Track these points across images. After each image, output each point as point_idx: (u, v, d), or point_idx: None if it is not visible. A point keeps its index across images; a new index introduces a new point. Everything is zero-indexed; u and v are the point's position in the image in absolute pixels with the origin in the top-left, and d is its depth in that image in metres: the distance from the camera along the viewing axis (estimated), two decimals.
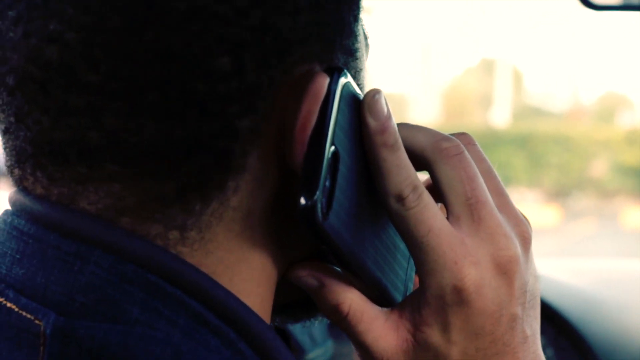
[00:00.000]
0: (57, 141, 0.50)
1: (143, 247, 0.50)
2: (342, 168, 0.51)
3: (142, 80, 0.48)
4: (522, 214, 0.57)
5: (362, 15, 0.56)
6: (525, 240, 0.56)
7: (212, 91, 0.49)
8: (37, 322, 0.48)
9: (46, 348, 0.47)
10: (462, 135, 0.57)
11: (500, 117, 20.28)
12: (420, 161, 0.55)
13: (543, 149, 14.75)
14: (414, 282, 0.60)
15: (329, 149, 0.50)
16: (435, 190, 0.55)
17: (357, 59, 0.56)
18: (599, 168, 15.14)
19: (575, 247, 10.31)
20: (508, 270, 0.54)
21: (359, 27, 0.56)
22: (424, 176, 0.56)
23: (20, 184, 0.53)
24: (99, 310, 0.48)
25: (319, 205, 0.49)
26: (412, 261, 0.58)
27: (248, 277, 0.53)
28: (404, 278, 0.59)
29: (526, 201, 13.45)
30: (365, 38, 0.59)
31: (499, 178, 0.57)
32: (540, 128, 16.44)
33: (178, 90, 0.48)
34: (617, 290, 1.40)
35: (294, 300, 0.61)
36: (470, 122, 20.57)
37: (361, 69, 0.56)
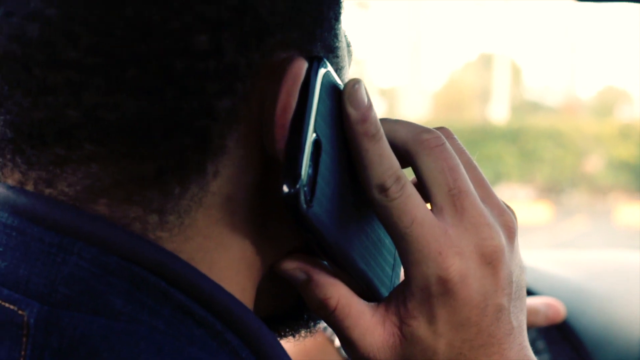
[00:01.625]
0: (36, 121, 0.50)
1: (126, 238, 0.50)
2: (325, 157, 0.51)
3: (121, 56, 0.49)
4: (505, 205, 0.57)
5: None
6: (510, 231, 0.56)
7: (191, 69, 0.49)
8: (20, 312, 0.48)
9: (29, 338, 0.47)
10: (442, 129, 0.57)
11: (498, 112, 20.27)
12: (402, 155, 0.55)
13: (535, 144, 14.67)
14: (400, 279, 0.59)
15: (311, 134, 0.50)
16: (418, 182, 0.56)
17: (337, 57, 0.57)
18: (593, 163, 15.07)
19: (567, 245, 10.20)
20: (493, 260, 0.54)
21: (341, 29, 0.57)
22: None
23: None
24: (82, 302, 0.48)
25: (302, 193, 0.49)
26: (398, 258, 0.58)
27: (228, 265, 0.53)
28: (390, 274, 0.59)
29: (517, 198, 13.37)
30: (348, 45, 0.60)
31: (480, 169, 0.57)
32: (536, 123, 16.37)
33: (157, 67, 0.49)
34: (608, 281, 1.35)
35: (277, 314, 0.60)
36: (468, 117, 20.56)
37: (342, 67, 0.57)
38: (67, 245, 0.50)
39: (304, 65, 0.52)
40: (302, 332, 0.62)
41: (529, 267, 1.30)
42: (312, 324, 0.61)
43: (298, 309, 0.60)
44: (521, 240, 0.58)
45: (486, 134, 14.55)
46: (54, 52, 0.49)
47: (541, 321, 1.05)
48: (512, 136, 14.57)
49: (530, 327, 1.08)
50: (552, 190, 14.50)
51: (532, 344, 1.22)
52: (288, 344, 0.63)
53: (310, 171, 0.50)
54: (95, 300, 0.49)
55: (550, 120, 17.55)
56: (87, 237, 0.50)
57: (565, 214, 13.24)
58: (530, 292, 1.23)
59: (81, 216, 0.50)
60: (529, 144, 14.62)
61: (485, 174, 0.58)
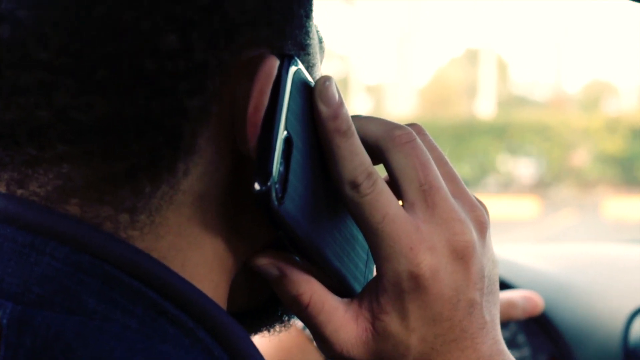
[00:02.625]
0: (8, 122, 0.50)
1: (97, 237, 0.50)
2: (296, 154, 0.52)
3: (92, 56, 0.49)
4: (477, 200, 0.58)
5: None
6: (482, 225, 0.56)
7: (161, 68, 0.49)
8: None
9: (2, 339, 0.47)
10: (413, 126, 0.58)
11: (485, 107, 20.30)
12: (373, 151, 0.55)
13: (522, 138, 14.70)
14: (373, 275, 0.59)
15: (282, 132, 0.50)
16: (390, 179, 0.56)
17: (309, 54, 0.57)
18: (580, 157, 15.09)
19: (554, 240, 10.21)
20: (464, 255, 0.54)
21: (312, 26, 0.57)
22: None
23: None
24: (56, 301, 0.48)
25: (273, 190, 0.49)
26: (371, 254, 0.57)
27: (200, 262, 0.53)
28: (363, 270, 0.59)
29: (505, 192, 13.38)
30: (320, 42, 0.60)
31: (451, 165, 0.58)
32: (522, 118, 16.40)
33: (127, 67, 0.49)
34: (589, 274, 1.38)
35: (251, 310, 0.60)
36: (455, 113, 20.60)
37: (314, 64, 0.58)
38: (40, 245, 0.50)
39: (276, 63, 0.52)
40: (277, 327, 0.62)
41: (508, 261, 1.31)
42: (286, 318, 0.62)
43: (272, 304, 0.60)
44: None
45: (473, 129, 14.56)
46: (25, 53, 0.49)
47: (519, 314, 1.05)
48: (498, 131, 14.59)
49: (508, 321, 1.09)
50: (539, 184, 14.53)
51: (513, 338, 1.23)
52: (264, 340, 0.63)
53: (281, 168, 0.50)
54: (68, 299, 0.49)
55: (537, 115, 17.57)
56: (59, 236, 0.50)
57: (552, 208, 13.24)
58: (508, 286, 1.24)
59: (53, 216, 0.50)
60: (516, 138, 14.64)
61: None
